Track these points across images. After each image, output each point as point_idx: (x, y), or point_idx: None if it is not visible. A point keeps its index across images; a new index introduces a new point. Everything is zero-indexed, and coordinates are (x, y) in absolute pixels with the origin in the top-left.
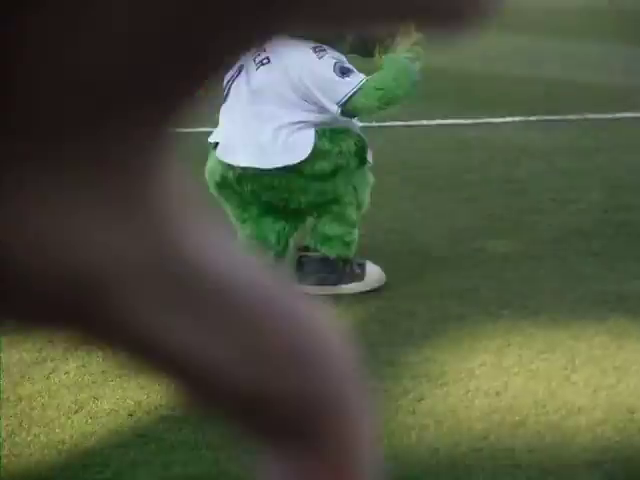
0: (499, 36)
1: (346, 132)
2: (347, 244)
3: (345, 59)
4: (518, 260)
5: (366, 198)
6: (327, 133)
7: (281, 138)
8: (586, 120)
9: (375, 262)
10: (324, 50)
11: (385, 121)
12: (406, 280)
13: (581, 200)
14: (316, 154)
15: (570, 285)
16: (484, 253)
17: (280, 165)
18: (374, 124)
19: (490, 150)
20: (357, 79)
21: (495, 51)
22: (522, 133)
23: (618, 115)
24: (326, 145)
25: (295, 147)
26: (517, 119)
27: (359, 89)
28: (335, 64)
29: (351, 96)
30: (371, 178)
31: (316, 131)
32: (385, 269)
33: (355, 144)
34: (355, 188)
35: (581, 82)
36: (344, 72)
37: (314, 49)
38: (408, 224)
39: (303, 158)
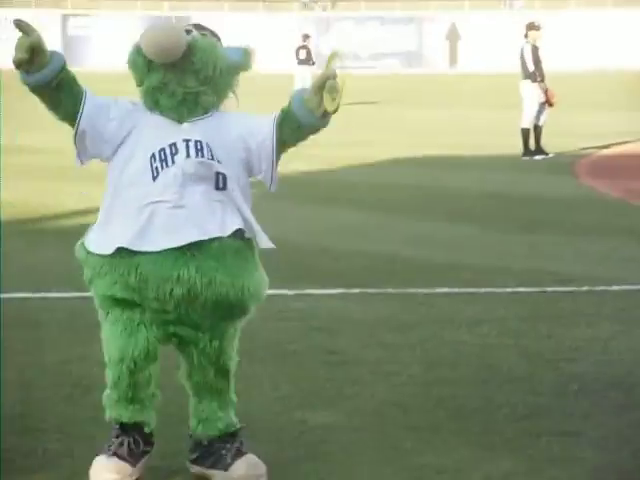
0: (326, 210)
1: None
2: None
3: None
4: (339, 432)
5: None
6: None
7: None
8: (406, 294)
9: None
10: None
11: None
12: None
13: (401, 373)
14: None
15: (389, 458)
16: (303, 425)
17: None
18: None
19: (312, 321)
20: None
21: (321, 225)
22: (343, 305)
23: (438, 290)
24: None
25: None
26: (339, 291)
27: None
28: None
29: None
30: None
31: None
32: None
33: None
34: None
35: (403, 256)
36: None
37: None
38: None
39: None
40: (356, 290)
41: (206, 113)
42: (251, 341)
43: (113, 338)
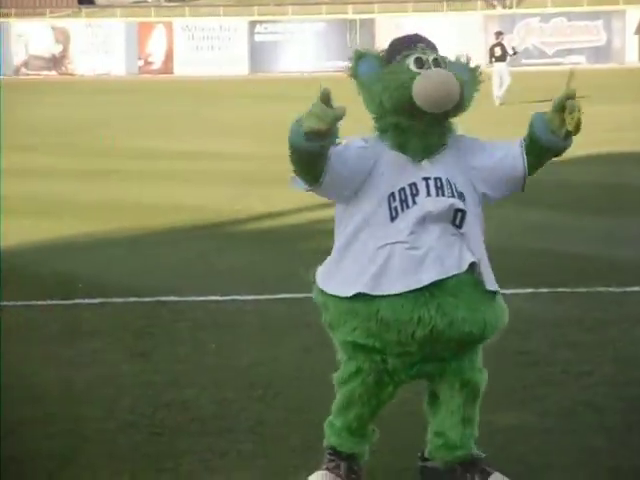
0: (513, 209)
1: None
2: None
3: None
4: (529, 433)
5: None
6: None
7: None
8: (597, 293)
9: None
10: None
11: None
12: None
13: (593, 373)
14: None
15: (581, 460)
16: (493, 425)
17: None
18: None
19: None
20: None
21: (509, 224)
22: (532, 305)
23: (629, 289)
24: None
25: None
26: (528, 291)
27: None
28: None
29: None
30: None
31: None
32: None
33: None
34: None
35: (593, 255)
36: None
37: None
38: None
39: None
40: (545, 289)
41: (444, 144)
42: None
43: (353, 386)
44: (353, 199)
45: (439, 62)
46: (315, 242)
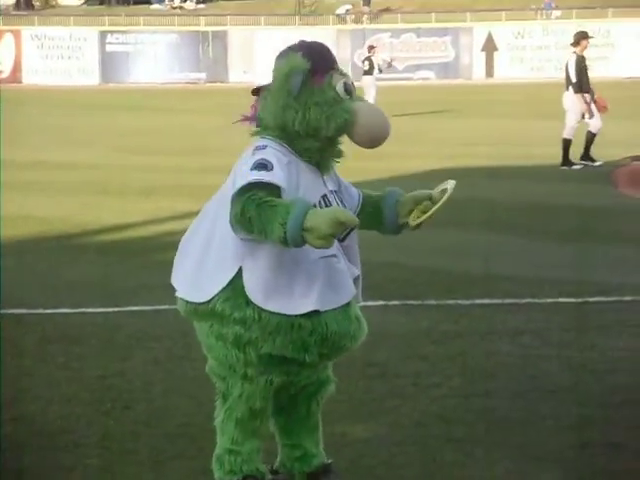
0: None
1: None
2: None
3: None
4: (379, 445)
5: None
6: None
7: None
8: (446, 305)
9: None
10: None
11: None
12: None
13: (442, 385)
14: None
15: (430, 471)
16: (343, 438)
17: None
18: None
19: None
20: (254, 176)
21: (360, 238)
22: (383, 317)
23: (477, 301)
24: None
25: None
26: (377, 303)
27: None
28: (255, 160)
29: (236, 192)
30: None
31: None
32: None
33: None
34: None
35: (442, 268)
36: (257, 167)
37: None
38: None
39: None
40: (396, 302)
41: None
42: None
43: (258, 400)
44: None
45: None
46: (165, 254)
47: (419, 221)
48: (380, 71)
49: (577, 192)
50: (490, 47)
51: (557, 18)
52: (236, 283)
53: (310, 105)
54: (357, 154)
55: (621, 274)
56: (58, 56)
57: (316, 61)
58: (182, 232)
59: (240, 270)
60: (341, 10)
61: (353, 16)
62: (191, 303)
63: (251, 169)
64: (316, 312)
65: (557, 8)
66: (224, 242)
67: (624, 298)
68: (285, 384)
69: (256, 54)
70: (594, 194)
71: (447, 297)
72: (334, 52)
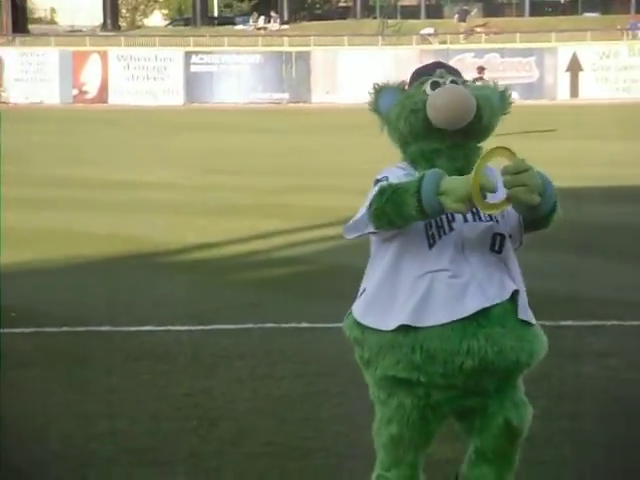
0: None
1: None
2: None
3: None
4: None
5: None
6: None
7: None
8: None
9: None
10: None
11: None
12: None
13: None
14: None
15: None
16: (431, 457)
17: None
18: (319, 325)
19: None
20: (374, 189)
21: None
22: None
23: (562, 323)
24: None
25: None
26: None
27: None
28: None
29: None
30: None
31: None
32: None
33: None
34: None
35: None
36: (375, 184)
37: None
38: None
39: None
40: None
41: (472, 169)
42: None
43: (395, 425)
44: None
45: (457, 82)
46: (247, 273)
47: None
48: None
49: None
50: (575, 67)
51: None
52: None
53: (391, 112)
54: None
55: None
56: (144, 77)
57: (413, 75)
58: (264, 251)
59: (364, 290)
60: (426, 31)
61: (437, 37)
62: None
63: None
64: (413, 328)
65: None
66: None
67: None
68: (436, 409)
69: (339, 75)
70: None
71: None
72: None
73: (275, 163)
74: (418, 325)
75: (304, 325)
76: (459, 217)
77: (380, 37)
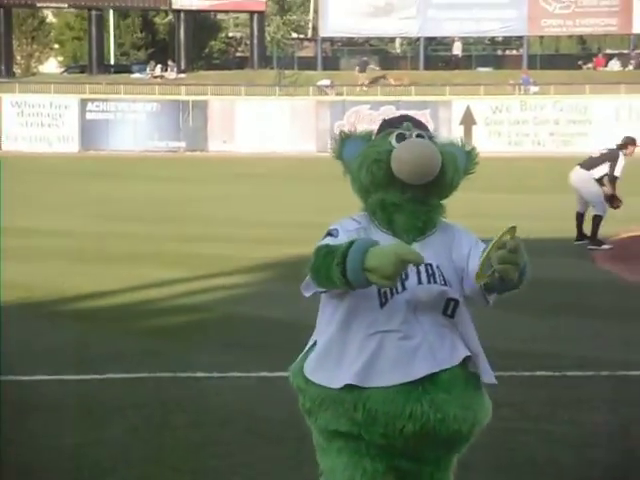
0: None
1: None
2: None
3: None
4: None
5: None
6: None
7: None
8: None
9: None
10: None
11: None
12: None
13: None
14: None
15: None
16: None
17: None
18: (215, 374)
19: None
20: (318, 244)
21: None
22: None
23: None
24: None
25: None
26: None
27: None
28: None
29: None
30: None
31: None
32: None
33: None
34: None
35: None
36: (324, 237)
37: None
38: None
39: None
40: None
41: (434, 228)
42: (265, 424)
43: (339, 470)
44: None
45: (423, 137)
46: (143, 322)
47: (484, 278)
48: None
49: (557, 266)
50: (469, 121)
51: (535, 93)
52: (307, 354)
53: (354, 161)
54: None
55: (600, 349)
56: (38, 123)
57: (380, 126)
58: (160, 300)
59: (314, 344)
60: (322, 82)
61: (334, 88)
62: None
63: (319, 242)
64: (358, 387)
65: (535, 84)
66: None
67: (601, 373)
68: (374, 462)
69: (236, 124)
70: (573, 268)
71: None
72: (312, 123)
73: (172, 211)
74: (363, 385)
75: (200, 375)
76: (412, 277)
77: (277, 87)
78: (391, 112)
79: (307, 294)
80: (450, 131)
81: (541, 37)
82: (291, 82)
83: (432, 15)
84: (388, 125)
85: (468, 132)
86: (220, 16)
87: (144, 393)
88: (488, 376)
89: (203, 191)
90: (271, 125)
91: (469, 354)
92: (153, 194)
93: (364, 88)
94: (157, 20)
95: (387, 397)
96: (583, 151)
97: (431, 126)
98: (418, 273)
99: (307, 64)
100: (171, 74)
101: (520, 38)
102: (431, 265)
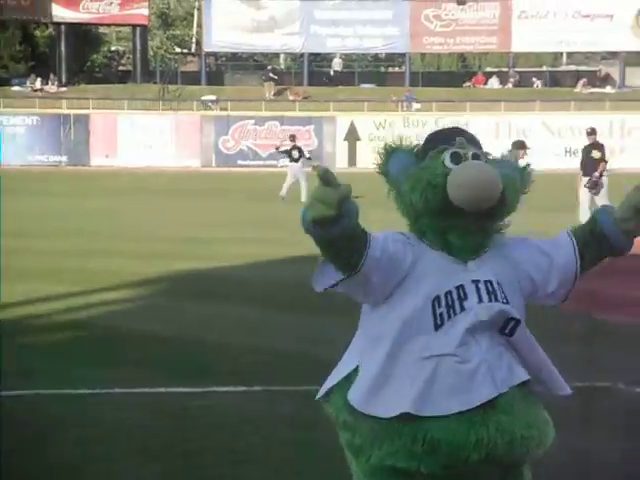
0: (225, 307)
1: None
2: None
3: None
4: None
5: None
6: None
7: None
8: (309, 391)
9: None
10: None
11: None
12: None
13: (303, 472)
14: None
15: None
16: None
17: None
18: (98, 390)
19: (213, 419)
20: None
21: (220, 322)
22: (245, 403)
23: None
24: None
25: None
26: (240, 389)
27: None
28: None
29: None
30: None
31: None
32: None
33: None
34: None
35: (305, 354)
36: None
37: None
38: None
39: None
40: (258, 388)
41: (492, 244)
42: (148, 440)
43: None
44: (388, 301)
45: (479, 157)
46: (26, 338)
47: None
48: (309, 158)
49: None
50: (353, 137)
51: (417, 110)
52: (348, 383)
53: (406, 183)
54: (215, 240)
55: None
56: None
57: (428, 140)
58: (44, 315)
59: (356, 369)
60: (207, 97)
61: (218, 103)
62: (319, 400)
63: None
64: (414, 416)
65: (417, 101)
66: (356, 337)
67: None
68: None
69: (119, 138)
70: None
71: (310, 383)
72: (197, 138)
73: (54, 226)
74: (420, 414)
75: (82, 391)
76: (472, 296)
77: (160, 102)
78: (275, 127)
79: (319, 287)
80: (335, 147)
81: (423, 54)
82: (174, 96)
83: (315, 31)
84: (439, 140)
85: (352, 148)
86: (102, 29)
87: (25, 410)
88: (564, 390)
89: (86, 205)
90: (154, 140)
91: (528, 378)
92: (34, 208)
93: (271, 97)
94: (37, 33)
95: (449, 425)
96: None
97: (315, 142)
98: (478, 291)
99: (191, 79)
100: (52, 87)
101: (402, 55)
102: (491, 282)
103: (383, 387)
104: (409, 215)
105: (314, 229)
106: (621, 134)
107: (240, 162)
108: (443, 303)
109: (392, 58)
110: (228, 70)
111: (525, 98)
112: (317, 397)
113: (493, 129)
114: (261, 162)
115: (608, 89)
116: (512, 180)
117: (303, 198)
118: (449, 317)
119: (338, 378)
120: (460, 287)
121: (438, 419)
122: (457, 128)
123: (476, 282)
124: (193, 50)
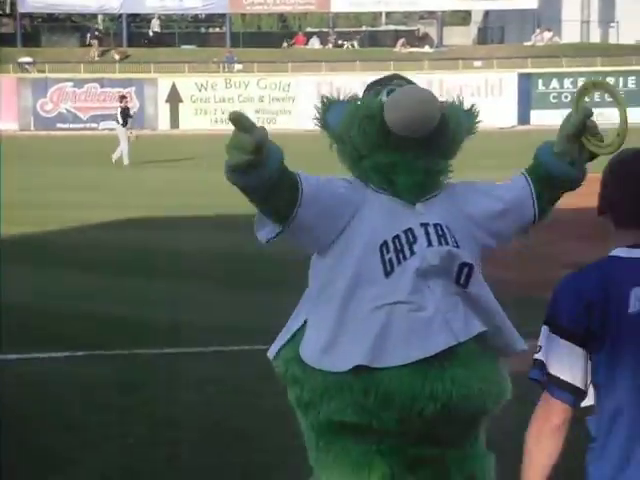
0: (53, 272)
1: None
2: None
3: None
4: None
5: None
6: None
7: None
8: (133, 355)
9: None
10: None
11: None
12: None
13: (129, 435)
14: None
15: None
16: None
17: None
18: None
19: (37, 385)
20: None
21: (49, 287)
22: (69, 368)
23: (164, 350)
24: None
25: None
26: (64, 354)
27: None
28: None
29: None
30: None
31: None
32: None
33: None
34: None
35: (130, 317)
36: None
37: None
38: None
39: None
40: (81, 352)
41: (439, 189)
42: None
43: (341, 473)
44: (334, 251)
45: None
46: None
47: (617, 141)
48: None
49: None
50: (175, 99)
51: (239, 71)
52: (298, 337)
53: (341, 124)
54: (50, 204)
55: None
56: None
57: (367, 87)
58: None
59: (305, 323)
60: (24, 59)
61: (35, 65)
62: (271, 361)
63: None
64: (366, 368)
65: (239, 61)
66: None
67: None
68: (385, 457)
69: None
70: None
71: (135, 347)
72: (14, 101)
73: None
74: (374, 365)
75: None
76: (421, 240)
77: None
78: (95, 90)
79: (262, 239)
80: (157, 109)
81: (243, 15)
82: None
83: None
84: (377, 85)
85: (174, 110)
86: None
87: None
88: (519, 344)
89: None
90: None
91: (485, 329)
92: None
93: (96, 58)
94: None
95: (403, 377)
96: (287, 128)
97: (137, 104)
98: (427, 235)
99: (6, 41)
100: None
101: (222, 16)
102: (440, 225)
103: (336, 340)
104: (352, 159)
105: (235, 177)
106: (440, 93)
107: (60, 125)
108: (391, 248)
109: (212, 19)
110: (45, 32)
111: (346, 58)
112: (268, 354)
113: (314, 89)
114: (81, 125)
115: (426, 49)
116: (456, 111)
117: (126, 161)
118: (399, 262)
119: (288, 335)
120: (409, 230)
121: (391, 371)
122: (396, 74)
123: (425, 225)
124: (7, 11)
